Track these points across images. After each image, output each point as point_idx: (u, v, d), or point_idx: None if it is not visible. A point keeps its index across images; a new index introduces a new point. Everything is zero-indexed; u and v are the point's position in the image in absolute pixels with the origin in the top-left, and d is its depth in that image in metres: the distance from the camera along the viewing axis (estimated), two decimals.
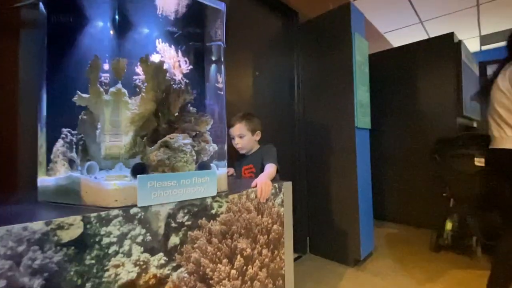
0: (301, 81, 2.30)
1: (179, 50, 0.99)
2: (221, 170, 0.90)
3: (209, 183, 0.79)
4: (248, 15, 1.97)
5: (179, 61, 0.98)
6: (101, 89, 0.72)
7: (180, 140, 0.81)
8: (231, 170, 1.44)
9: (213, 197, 0.80)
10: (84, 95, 0.73)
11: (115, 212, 0.62)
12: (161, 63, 0.82)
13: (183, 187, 0.73)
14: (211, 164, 0.96)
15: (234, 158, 1.47)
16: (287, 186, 1.07)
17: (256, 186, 0.95)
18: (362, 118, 2.05)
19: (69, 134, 0.73)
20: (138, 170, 0.75)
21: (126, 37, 0.88)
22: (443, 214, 2.28)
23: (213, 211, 0.80)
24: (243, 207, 0.88)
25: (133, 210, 0.65)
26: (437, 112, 2.72)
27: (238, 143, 1.37)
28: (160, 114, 0.87)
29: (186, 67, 0.99)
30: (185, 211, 0.74)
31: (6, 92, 0.88)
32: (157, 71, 0.81)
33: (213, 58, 1.07)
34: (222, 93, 1.01)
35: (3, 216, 0.57)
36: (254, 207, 0.92)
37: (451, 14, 3.56)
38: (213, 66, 1.07)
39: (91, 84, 0.71)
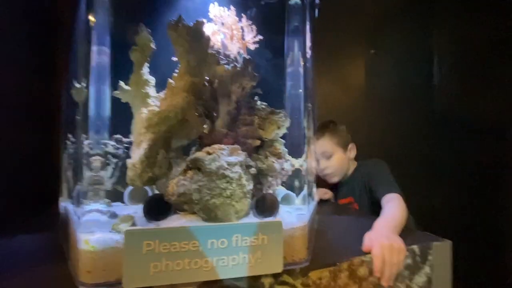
0: (446, 58, 1.52)
1: (243, 14, 0.64)
2: (301, 213, 0.48)
3: (267, 246, 0.39)
4: None
5: (241, 28, 0.63)
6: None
7: (224, 156, 0.45)
8: (329, 193, 0.98)
9: (276, 276, 0.40)
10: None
11: None
12: (199, 25, 0.49)
13: (212, 254, 0.37)
14: (290, 194, 0.56)
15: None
16: (441, 249, 0.53)
17: (370, 252, 0.48)
18: None
19: (69, 139, 0.51)
20: (154, 208, 0.45)
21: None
22: None
23: None
24: None
25: None
26: None
27: (326, 167, 0.89)
28: (203, 113, 0.54)
29: (252, 37, 0.63)
30: None
31: None
32: (192, 39, 0.49)
33: (296, 23, 0.65)
34: (309, 76, 0.59)
35: None
36: None
37: None
38: (294, 36, 0.65)
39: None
